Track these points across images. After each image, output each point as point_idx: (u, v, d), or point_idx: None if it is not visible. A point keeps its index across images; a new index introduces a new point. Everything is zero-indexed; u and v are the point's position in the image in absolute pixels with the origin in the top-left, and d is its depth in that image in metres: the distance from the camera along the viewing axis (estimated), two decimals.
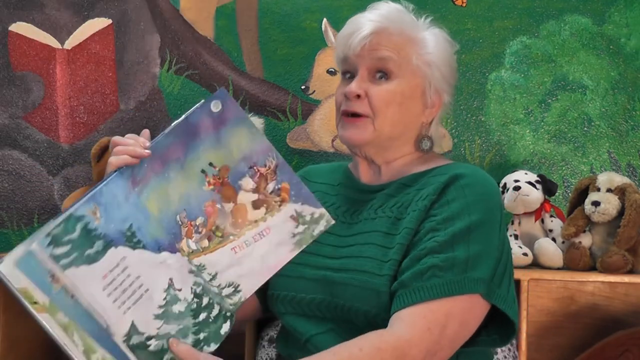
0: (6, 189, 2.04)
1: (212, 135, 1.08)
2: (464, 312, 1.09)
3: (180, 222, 1.07)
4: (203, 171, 1.08)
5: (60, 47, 2.06)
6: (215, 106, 1.08)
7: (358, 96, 1.20)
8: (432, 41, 1.24)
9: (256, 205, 1.11)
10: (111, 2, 2.06)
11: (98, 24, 2.06)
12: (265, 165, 1.12)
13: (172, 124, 1.08)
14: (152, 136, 1.10)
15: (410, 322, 1.06)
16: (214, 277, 1.09)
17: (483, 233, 1.12)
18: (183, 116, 1.08)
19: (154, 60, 2.06)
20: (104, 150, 1.74)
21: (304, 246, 1.14)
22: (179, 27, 2.06)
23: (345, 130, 1.23)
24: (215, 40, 2.05)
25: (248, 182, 1.11)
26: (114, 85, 2.06)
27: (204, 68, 2.05)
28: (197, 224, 1.08)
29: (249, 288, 1.11)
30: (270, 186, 1.12)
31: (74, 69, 2.06)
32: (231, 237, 1.10)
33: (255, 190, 1.11)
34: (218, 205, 1.09)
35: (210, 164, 1.09)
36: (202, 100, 1.09)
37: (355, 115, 1.21)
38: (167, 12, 2.06)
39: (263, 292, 1.27)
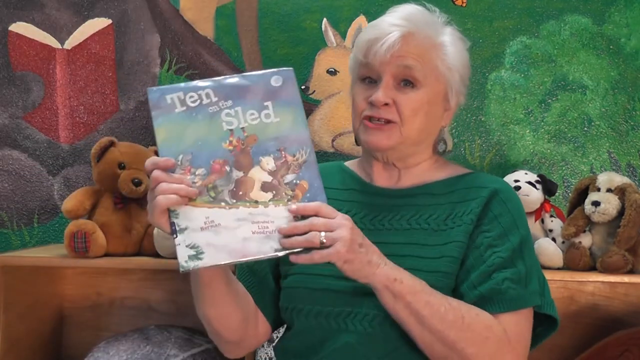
0: (6, 189, 2.04)
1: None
2: (530, 323, 1.17)
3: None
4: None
5: (60, 47, 2.06)
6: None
7: (386, 104, 1.18)
8: (450, 43, 1.23)
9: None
10: (111, 2, 2.06)
11: (98, 24, 2.06)
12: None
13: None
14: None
15: (507, 327, 1.13)
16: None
17: (528, 246, 1.19)
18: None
19: (154, 60, 2.06)
20: (104, 150, 1.74)
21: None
22: (179, 27, 2.05)
23: (370, 135, 1.20)
24: (215, 40, 2.05)
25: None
26: (114, 85, 2.06)
27: (204, 68, 2.04)
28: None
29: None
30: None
31: (74, 69, 2.05)
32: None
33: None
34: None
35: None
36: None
37: (380, 120, 1.19)
38: (167, 12, 2.06)
39: (274, 318, 1.28)
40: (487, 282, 1.13)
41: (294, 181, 1.05)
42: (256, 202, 1.04)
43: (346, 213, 1.17)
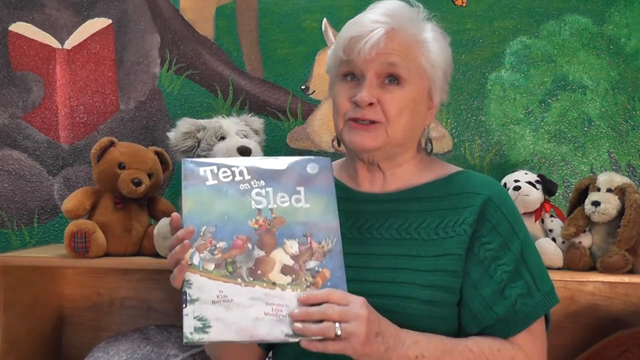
0: (6, 189, 2.04)
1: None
2: (543, 325, 1.18)
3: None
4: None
5: (60, 47, 2.06)
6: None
7: (370, 104, 1.15)
8: (433, 40, 1.20)
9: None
10: (111, 2, 2.06)
11: (98, 24, 2.06)
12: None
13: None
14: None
15: (525, 348, 1.14)
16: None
17: (529, 248, 1.18)
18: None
19: (154, 60, 2.06)
20: (104, 150, 1.74)
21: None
22: (179, 27, 2.06)
23: (355, 135, 1.17)
24: (215, 40, 2.05)
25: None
26: (114, 85, 2.06)
27: (204, 68, 2.05)
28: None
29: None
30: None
31: (74, 69, 2.06)
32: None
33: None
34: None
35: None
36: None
37: (365, 121, 1.16)
38: (167, 12, 2.06)
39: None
40: (501, 303, 1.13)
41: (316, 268, 1.03)
42: (274, 283, 1.02)
43: None
